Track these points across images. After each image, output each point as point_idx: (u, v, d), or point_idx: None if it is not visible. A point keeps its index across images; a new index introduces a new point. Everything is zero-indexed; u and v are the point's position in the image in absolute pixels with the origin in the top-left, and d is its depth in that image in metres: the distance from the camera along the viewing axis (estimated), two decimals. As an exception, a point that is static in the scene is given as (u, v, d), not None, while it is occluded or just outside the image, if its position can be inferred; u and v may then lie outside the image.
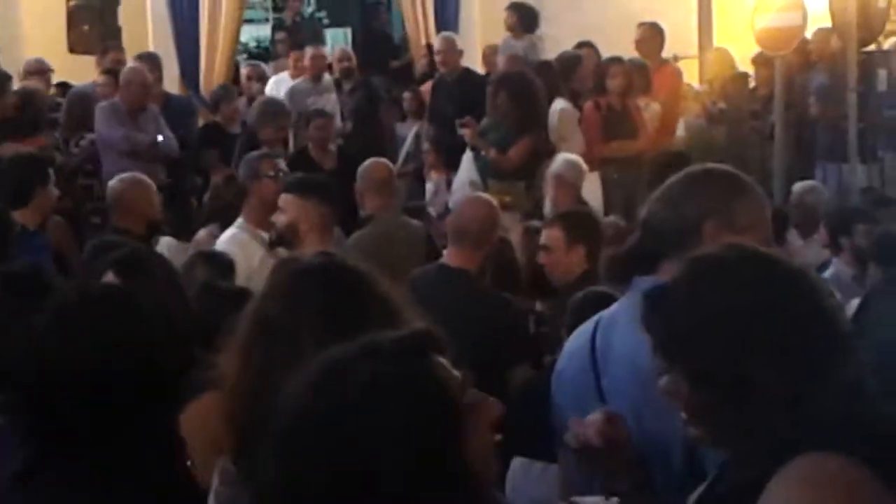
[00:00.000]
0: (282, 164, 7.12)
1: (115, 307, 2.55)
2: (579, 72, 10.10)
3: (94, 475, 2.35)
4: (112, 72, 10.08)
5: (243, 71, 11.67)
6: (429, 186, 10.01)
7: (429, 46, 12.59)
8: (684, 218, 2.91)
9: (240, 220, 6.54)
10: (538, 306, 5.95)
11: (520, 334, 5.39)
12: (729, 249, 2.39)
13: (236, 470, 2.28)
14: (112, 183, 7.09)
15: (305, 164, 8.82)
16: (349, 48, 12.23)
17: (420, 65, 12.66)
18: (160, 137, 9.34)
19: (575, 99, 9.76)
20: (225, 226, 6.71)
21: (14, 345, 2.55)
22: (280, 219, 5.84)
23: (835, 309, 2.33)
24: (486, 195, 6.40)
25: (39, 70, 10.57)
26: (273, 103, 9.80)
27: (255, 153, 7.39)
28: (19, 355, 2.48)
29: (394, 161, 8.99)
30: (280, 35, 13.63)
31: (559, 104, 9.34)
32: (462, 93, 10.36)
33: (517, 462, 4.59)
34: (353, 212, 7.18)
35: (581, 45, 10.86)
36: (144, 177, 7.21)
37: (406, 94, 11.48)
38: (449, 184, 9.48)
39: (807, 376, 2.19)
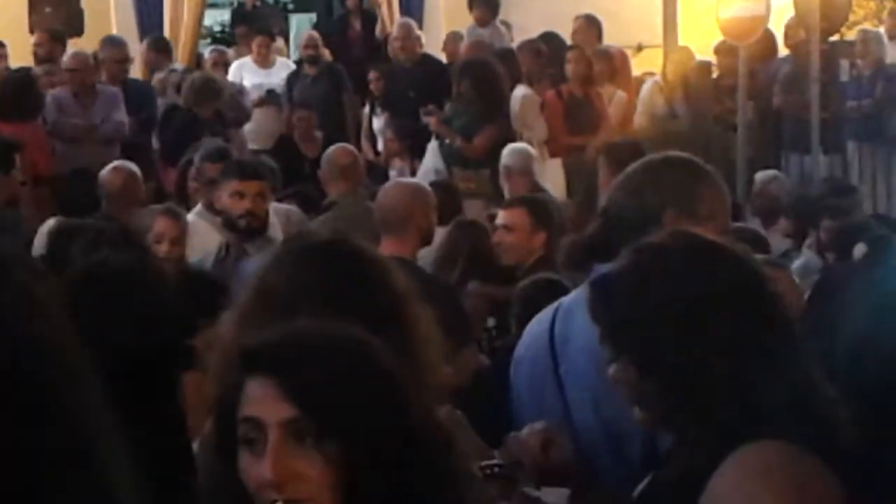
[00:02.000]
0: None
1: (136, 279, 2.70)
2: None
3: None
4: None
5: (208, 57, 11.57)
6: (392, 174, 9.99)
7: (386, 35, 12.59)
8: (645, 206, 2.90)
9: (198, 207, 6.49)
10: (490, 322, 5.80)
11: (462, 318, 5.28)
12: (674, 237, 2.39)
13: None
14: (102, 173, 7.11)
15: (289, 151, 9.13)
16: (316, 34, 12.12)
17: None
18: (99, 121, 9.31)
19: (557, 84, 9.79)
20: None
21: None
22: (260, 206, 5.72)
23: (779, 296, 2.33)
24: (409, 180, 6.34)
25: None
26: (207, 80, 9.79)
27: (213, 143, 7.37)
28: None
29: (358, 148, 8.96)
30: (240, 29, 13.40)
31: (520, 90, 9.33)
32: (421, 79, 10.35)
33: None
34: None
35: (544, 36, 10.87)
36: (129, 164, 7.26)
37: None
38: (413, 172, 9.44)
39: (752, 363, 2.19)
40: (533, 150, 8.01)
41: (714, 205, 2.96)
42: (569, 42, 10.47)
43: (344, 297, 2.21)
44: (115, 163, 7.30)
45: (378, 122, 10.86)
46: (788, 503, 2.06)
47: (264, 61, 11.94)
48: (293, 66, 12.07)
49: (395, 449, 1.81)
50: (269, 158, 7.62)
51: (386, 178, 9.79)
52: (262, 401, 1.81)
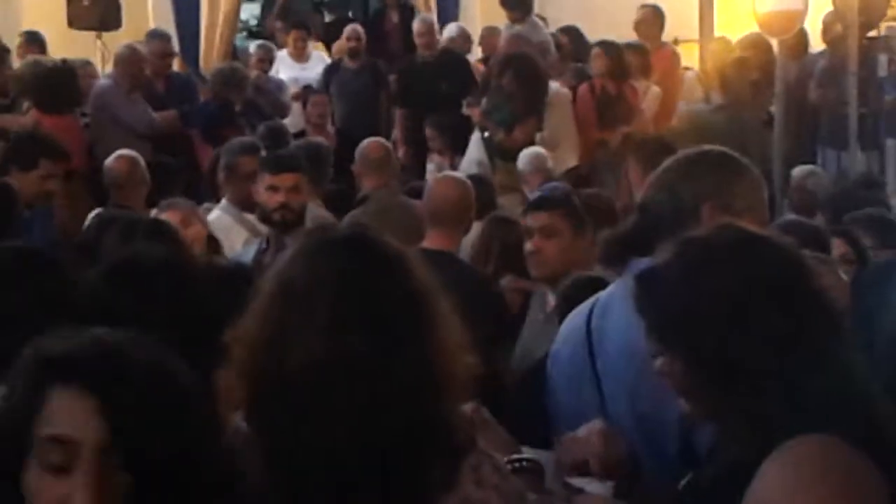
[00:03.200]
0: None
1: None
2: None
3: None
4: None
5: (253, 52, 11.53)
6: (430, 167, 9.98)
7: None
8: (681, 200, 2.90)
9: (224, 203, 6.51)
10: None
11: (503, 313, 5.31)
12: (720, 231, 2.38)
13: (248, 427, 2.29)
14: (107, 162, 7.13)
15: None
16: (359, 27, 12.10)
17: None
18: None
19: (580, 79, 9.79)
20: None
21: None
22: (295, 199, 5.66)
23: (825, 290, 2.32)
24: (458, 174, 6.33)
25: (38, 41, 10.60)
26: (233, 68, 9.89)
27: (239, 139, 7.38)
28: None
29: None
30: (278, 24, 13.40)
31: (554, 86, 9.34)
32: (445, 73, 10.37)
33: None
34: (350, 192, 7.19)
35: (563, 29, 10.87)
36: (133, 152, 7.26)
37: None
38: (453, 167, 9.41)
39: (799, 357, 2.19)
40: (542, 150, 8.02)
41: (751, 198, 2.96)
42: (611, 35, 10.40)
43: (360, 290, 2.22)
44: (119, 151, 7.28)
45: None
46: (835, 497, 2.05)
47: (300, 55, 11.97)
48: (328, 60, 12.04)
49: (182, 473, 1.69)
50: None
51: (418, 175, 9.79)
52: (75, 417, 1.65)
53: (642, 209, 2.98)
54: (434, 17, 11.95)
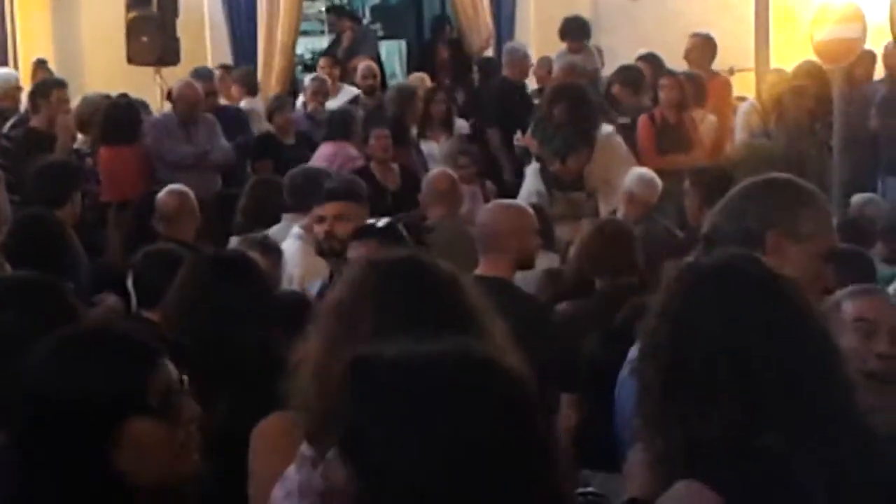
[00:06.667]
0: None
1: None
2: (644, 86, 10.10)
3: None
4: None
5: (307, 85, 11.54)
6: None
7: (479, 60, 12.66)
8: (747, 228, 2.91)
9: (298, 230, 6.56)
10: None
11: (559, 340, 5.27)
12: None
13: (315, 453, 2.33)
14: (159, 196, 7.20)
15: (367, 184, 7.56)
16: (373, 65, 12.09)
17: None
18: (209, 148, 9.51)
19: (637, 114, 9.77)
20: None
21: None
22: (340, 228, 5.70)
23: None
24: (511, 202, 6.31)
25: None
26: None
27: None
28: None
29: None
30: (323, 62, 13.23)
31: (606, 129, 9.28)
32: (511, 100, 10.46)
33: (580, 474, 4.56)
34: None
35: (641, 58, 10.84)
36: (183, 187, 7.33)
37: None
38: (485, 196, 9.36)
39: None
40: (658, 180, 7.97)
41: (817, 224, 2.97)
42: (665, 64, 10.41)
43: (411, 313, 2.28)
44: (171, 186, 7.35)
45: (428, 147, 10.50)
46: None
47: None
48: (356, 92, 11.89)
49: None
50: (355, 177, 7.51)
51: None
52: None
53: (708, 238, 2.99)
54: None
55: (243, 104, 11.35)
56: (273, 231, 6.94)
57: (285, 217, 7.07)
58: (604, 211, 8.45)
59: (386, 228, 4.95)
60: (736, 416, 2.18)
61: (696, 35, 10.96)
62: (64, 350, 2.27)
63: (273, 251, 5.92)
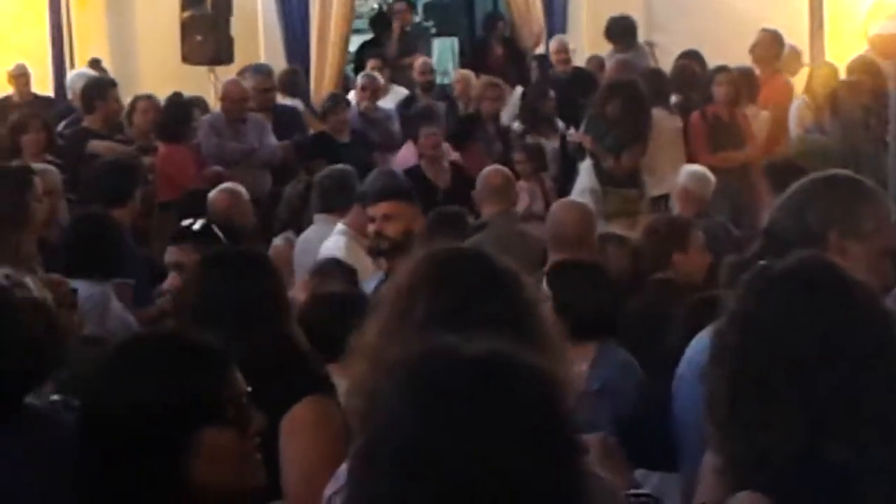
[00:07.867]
0: None
1: None
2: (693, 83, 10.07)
3: None
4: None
5: (359, 83, 11.53)
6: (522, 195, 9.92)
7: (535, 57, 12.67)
8: (808, 225, 2.91)
9: (343, 227, 6.58)
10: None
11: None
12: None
13: None
14: (210, 195, 7.21)
15: (418, 182, 7.79)
16: (430, 60, 12.08)
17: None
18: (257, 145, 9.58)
19: (686, 111, 9.74)
20: (299, 232, 7.12)
21: None
22: (388, 227, 5.73)
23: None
24: (577, 200, 6.35)
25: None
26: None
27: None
28: None
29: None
30: (372, 63, 13.20)
31: (661, 113, 9.30)
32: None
33: (636, 473, 4.56)
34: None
35: (684, 55, 10.80)
36: (236, 185, 7.36)
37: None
38: (544, 192, 9.35)
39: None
40: (712, 176, 7.95)
41: (878, 222, 2.95)
42: (719, 60, 10.35)
43: (472, 305, 2.30)
44: (224, 184, 7.38)
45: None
46: None
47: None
48: (405, 93, 11.95)
49: None
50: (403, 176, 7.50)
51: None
52: None
53: (768, 233, 2.98)
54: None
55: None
56: (310, 231, 7.03)
57: (318, 218, 7.14)
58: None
59: (201, 231, 4.95)
60: (799, 426, 2.17)
61: (765, 30, 10.89)
62: (140, 356, 2.28)
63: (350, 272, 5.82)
